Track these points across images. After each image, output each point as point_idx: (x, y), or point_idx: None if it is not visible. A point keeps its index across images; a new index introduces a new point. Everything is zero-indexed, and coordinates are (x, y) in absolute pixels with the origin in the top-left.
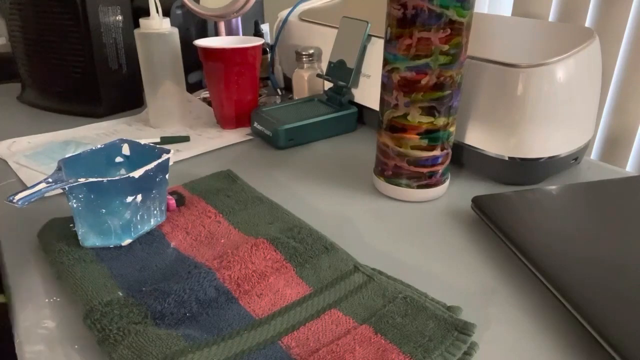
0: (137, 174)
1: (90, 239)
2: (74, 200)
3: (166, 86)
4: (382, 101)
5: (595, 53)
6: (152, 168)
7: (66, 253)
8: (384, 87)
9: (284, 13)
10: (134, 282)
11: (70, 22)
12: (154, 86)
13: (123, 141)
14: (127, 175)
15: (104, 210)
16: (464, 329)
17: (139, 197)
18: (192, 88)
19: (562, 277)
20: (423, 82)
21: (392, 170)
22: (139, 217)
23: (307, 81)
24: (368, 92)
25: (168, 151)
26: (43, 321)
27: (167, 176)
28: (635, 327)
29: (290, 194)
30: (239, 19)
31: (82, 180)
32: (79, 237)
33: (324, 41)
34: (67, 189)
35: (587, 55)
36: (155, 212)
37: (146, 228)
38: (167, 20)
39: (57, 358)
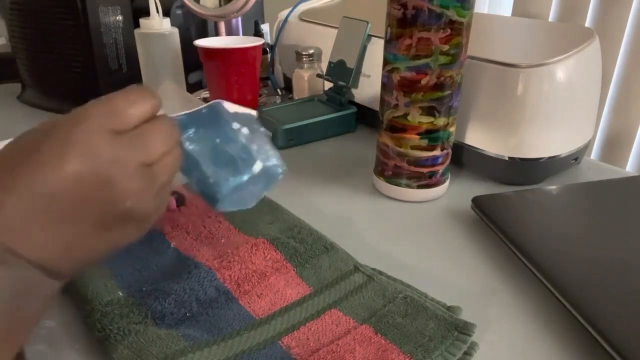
0: (230, 107)
1: (223, 185)
2: (187, 143)
3: (166, 86)
4: (382, 101)
5: (595, 53)
6: (251, 111)
7: None
8: (384, 87)
9: (284, 13)
10: (134, 282)
11: (70, 22)
12: (154, 86)
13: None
14: (218, 101)
15: (218, 140)
16: (464, 329)
17: (245, 129)
18: (192, 88)
19: (562, 277)
20: (423, 82)
21: (392, 170)
22: (255, 146)
23: (307, 81)
24: (368, 92)
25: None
26: (43, 321)
27: (262, 130)
28: (635, 327)
29: (290, 193)
30: (239, 19)
31: (183, 112)
32: (217, 193)
33: (324, 41)
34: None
35: (587, 55)
36: (270, 152)
37: (273, 160)
38: (167, 20)
39: (57, 358)
